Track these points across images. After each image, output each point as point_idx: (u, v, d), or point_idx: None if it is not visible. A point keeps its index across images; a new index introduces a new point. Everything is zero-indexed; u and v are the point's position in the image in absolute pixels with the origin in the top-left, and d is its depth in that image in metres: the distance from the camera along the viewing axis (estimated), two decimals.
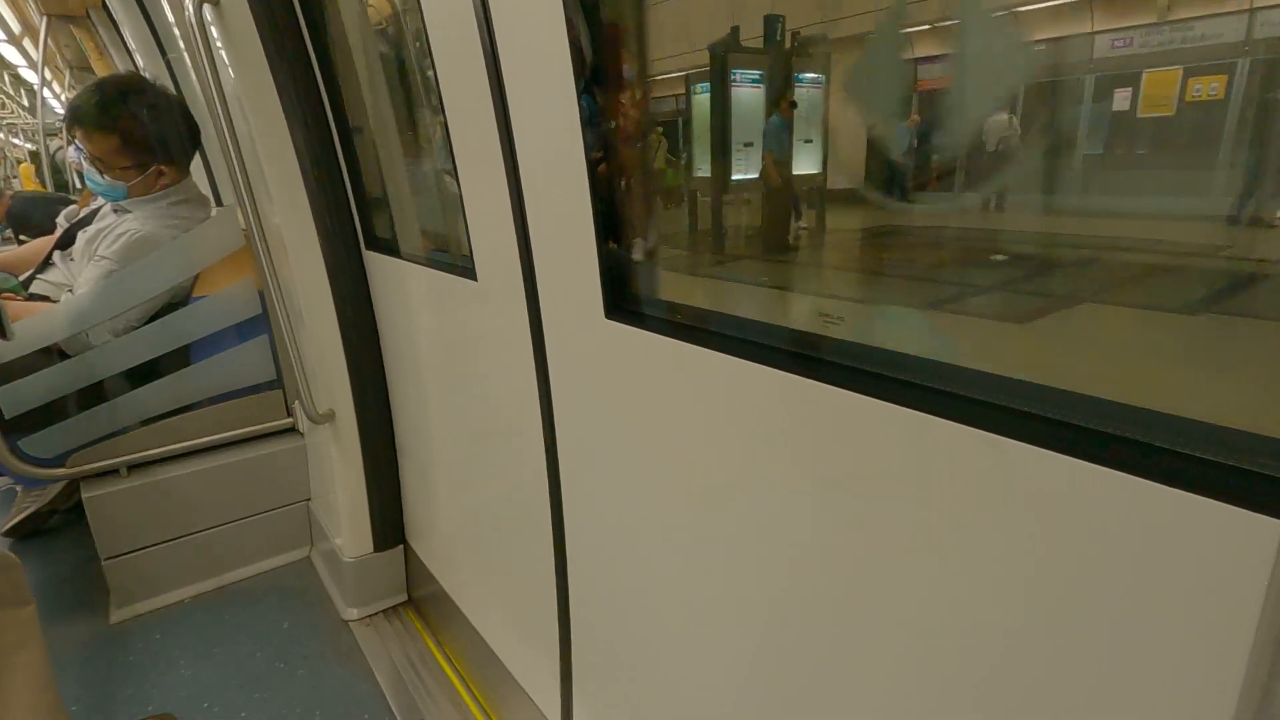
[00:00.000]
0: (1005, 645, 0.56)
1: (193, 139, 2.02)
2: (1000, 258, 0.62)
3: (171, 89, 2.38)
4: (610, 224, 0.88)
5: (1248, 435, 0.42)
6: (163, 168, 1.89)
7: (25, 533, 2.41)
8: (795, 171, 0.78)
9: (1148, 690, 0.47)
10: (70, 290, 1.97)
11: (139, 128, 1.85)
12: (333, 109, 1.63)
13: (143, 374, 1.94)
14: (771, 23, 0.74)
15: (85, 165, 1.89)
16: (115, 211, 1.95)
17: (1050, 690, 0.53)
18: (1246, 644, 0.30)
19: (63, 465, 1.90)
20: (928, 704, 0.64)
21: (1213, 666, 0.43)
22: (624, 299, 0.90)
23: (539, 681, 1.39)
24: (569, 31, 0.82)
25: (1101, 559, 0.48)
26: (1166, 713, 0.47)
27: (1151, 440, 0.45)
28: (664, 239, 0.95)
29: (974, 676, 0.59)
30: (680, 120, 0.89)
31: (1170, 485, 0.43)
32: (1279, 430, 0.41)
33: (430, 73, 1.18)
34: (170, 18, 2.30)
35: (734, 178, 0.85)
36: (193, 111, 2.03)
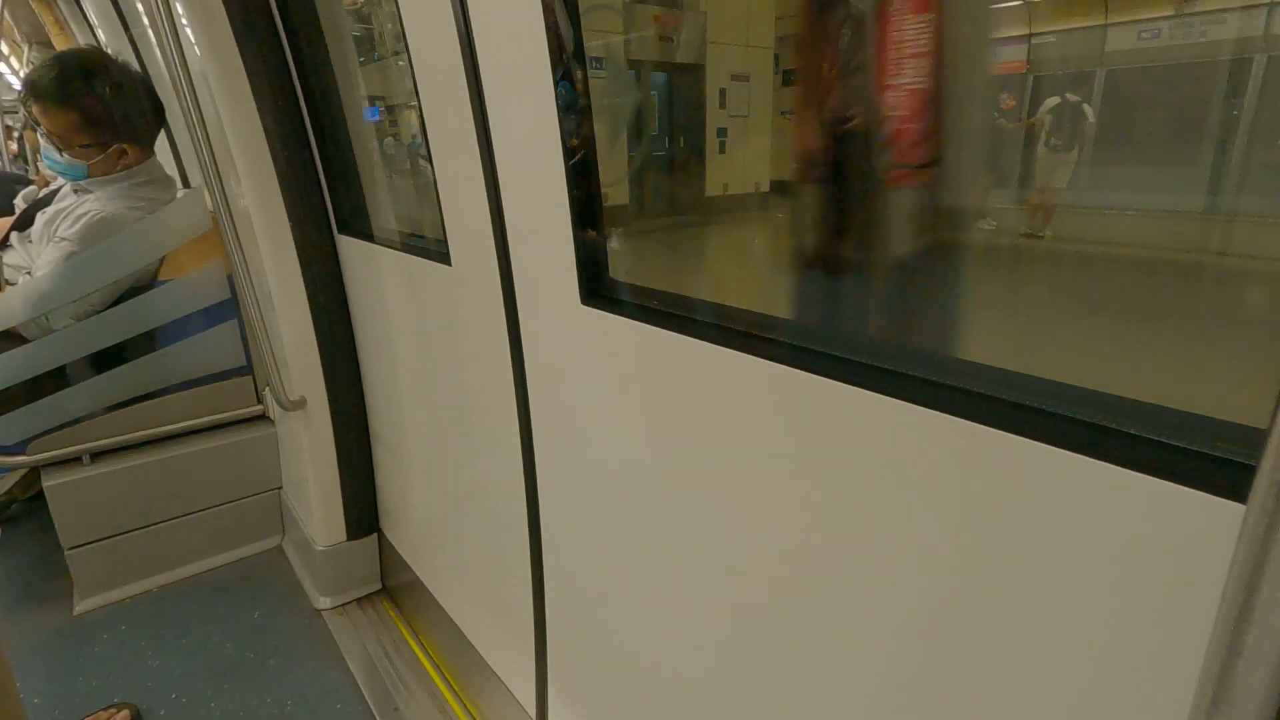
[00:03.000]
0: (971, 627, 0.57)
1: (157, 117, 1.96)
2: None
3: (135, 65, 2.30)
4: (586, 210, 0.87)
5: (1207, 420, 0.43)
6: (125, 147, 1.83)
7: None
8: None
9: (1109, 669, 0.48)
10: (29, 273, 1.90)
11: (99, 105, 1.78)
12: (303, 89, 1.59)
13: (106, 359, 1.89)
14: None
15: (42, 143, 1.82)
16: (75, 192, 1.89)
17: (1013, 668, 0.54)
18: (1206, 625, 0.31)
19: (23, 453, 1.85)
20: (899, 682, 0.65)
21: (1173, 647, 0.44)
22: (600, 285, 0.89)
23: (514, 668, 1.39)
24: (546, 14, 0.81)
25: (1065, 542, 0.49)
26: (1127, 690, 0.48)
27: (1114, 425, 0.46)
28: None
29: (946, 660, 0.60)
30: None
31: (1132, 469, 0.44)
32: (1237, 415, 0.42)
33: (405, 55, 1.15)
34: None
35: None
36: (158, 89, 1.97)
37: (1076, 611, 0.49)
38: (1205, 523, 0.41)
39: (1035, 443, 0.49)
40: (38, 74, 1.78)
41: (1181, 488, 0.42)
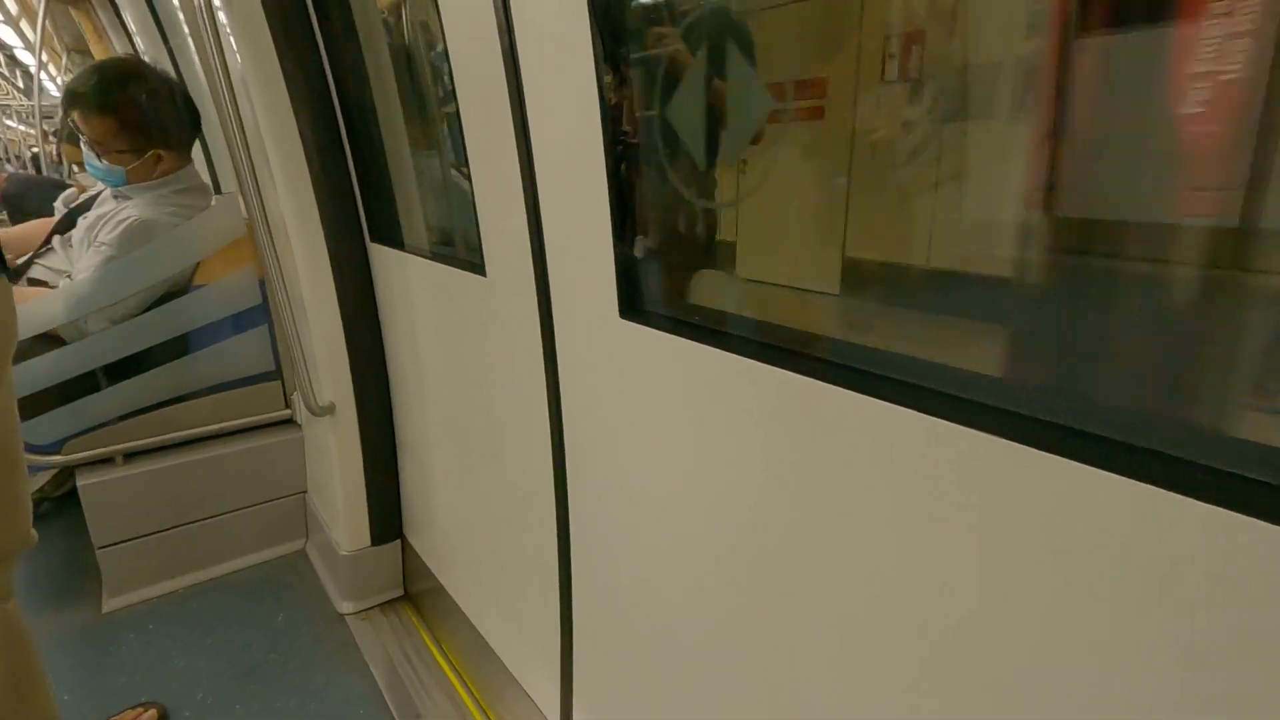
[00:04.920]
0: (1003, 640, 0.56)
1: (193, 125, 1.99)
2: None
3: (172, 74, 2.35)
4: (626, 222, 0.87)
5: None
6: (161, 152, 1.87)
7: None
8: None
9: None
10: (69, 276, 1.94)
11: (136, 111, 1.82)
12: (339, 97, 1.61)
13: (140, 362, 1.92)
14: None
15: (83, 149, 1.86)
16: (115, 197, 1.93)
17: (1041, 677, 0.53)
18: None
19: (58, 452, 1.88)
20: (925, 700, 0.64)
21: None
22: (639, 299, 0.89)
23: (538, 680, 1.38)
24: (591, 18, 0.81)
25: (1095, 558, 0.49)
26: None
27: (1144, 444, 0.46)
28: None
29: (984, 673, 0.59)
30: None
31: (1164, 488, 0.44)
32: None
33: (444, 62, 1.16)
34: (175, 1, 2.27)
35: None
36: (195, 97, 2.01)
37: (1116, 623, 0.49)
38: (1235, 541, 0.41)
39: (1075, 463, 0.48)
40: (77, 82, 1.82)
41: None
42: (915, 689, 0.65)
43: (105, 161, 1.84)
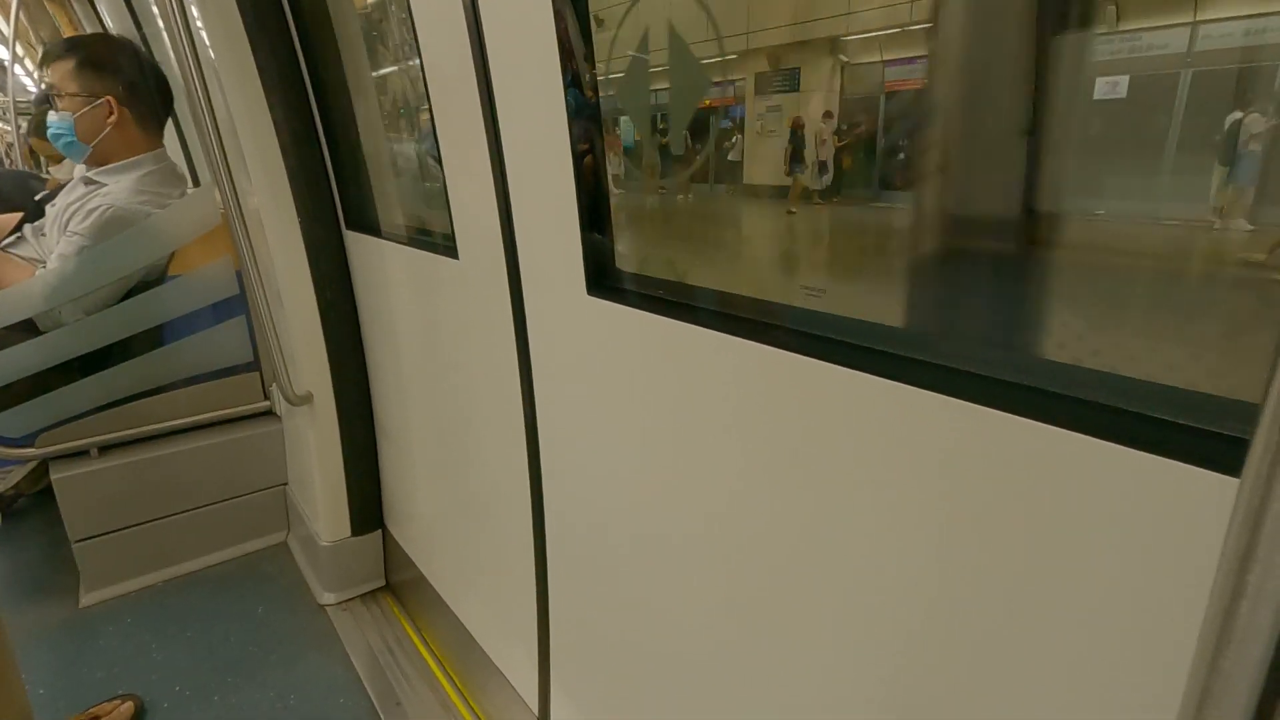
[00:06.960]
0: (983, 610, 0.57)
1: (164, 101, 1.97)
2: None
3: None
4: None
5: (1198, 395, 0.44)
6: (113, 103, 1.83)
7: None
8: None
9: (1101, 646, 0.49)
10: (43, 264, 1.92)
11: (95, 55, 1.83)
12: (314, 87, 1.61)
13: (115, 354, 1.90)
14: None
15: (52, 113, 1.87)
16: (85, 183, 1.90)
17: (1026, 644, 0.54)
18: (1201, 591, 0.32)
19: (31, 445, 1.86)
20: (905, 670, 0.65)
21: (1165, 624, 0.45)
22: (605, 276, 0.89)
23: (517, 665, 1.39)
24: (556, 14, 0.81)
25: (1071, 519, 0.49)
26: (1120, 669, 0.48)
27: (1108, 401, 0.47)
28: None
29: (958, 645, 0.60)
30: None
31: (1127, 445, 0.45)
32: (1230, 390, 0.43)
33: (415, 53, 1.16)
34: None
35: None
36: (171, 89, 2.00)
37: (1081, 581, 0.49)
38: (1202, 496, 0.42)
39: (1041, 424, 0.49)
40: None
41: (1173, 462, 0.43)
42: (900, 659, 0.65)
43: (59, 112, 1.82)
